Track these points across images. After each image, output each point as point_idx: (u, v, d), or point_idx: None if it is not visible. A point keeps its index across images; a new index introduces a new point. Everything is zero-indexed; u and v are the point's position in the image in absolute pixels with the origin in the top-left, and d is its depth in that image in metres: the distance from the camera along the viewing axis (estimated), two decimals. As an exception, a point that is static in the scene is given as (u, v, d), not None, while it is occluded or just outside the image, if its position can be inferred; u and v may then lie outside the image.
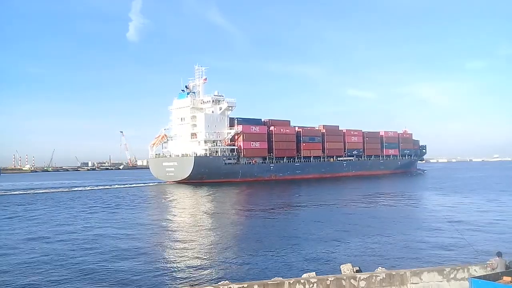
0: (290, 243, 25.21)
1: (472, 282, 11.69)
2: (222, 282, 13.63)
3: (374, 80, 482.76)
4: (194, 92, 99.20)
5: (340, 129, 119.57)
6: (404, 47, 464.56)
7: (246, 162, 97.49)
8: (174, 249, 24.83)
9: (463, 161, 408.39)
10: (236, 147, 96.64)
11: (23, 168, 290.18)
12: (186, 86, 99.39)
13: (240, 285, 11.95)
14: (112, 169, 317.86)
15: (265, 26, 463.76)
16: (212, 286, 12.61)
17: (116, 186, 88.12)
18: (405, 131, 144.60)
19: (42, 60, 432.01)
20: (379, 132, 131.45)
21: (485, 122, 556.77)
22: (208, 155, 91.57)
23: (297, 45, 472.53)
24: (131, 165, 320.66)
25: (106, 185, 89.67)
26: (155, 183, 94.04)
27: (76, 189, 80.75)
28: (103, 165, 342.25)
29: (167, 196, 64.05)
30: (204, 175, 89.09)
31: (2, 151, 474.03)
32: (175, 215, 41.76)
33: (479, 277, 11.77)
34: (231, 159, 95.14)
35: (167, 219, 38.58)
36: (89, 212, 43.59)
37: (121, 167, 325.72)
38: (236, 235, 29.09)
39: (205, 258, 22.02)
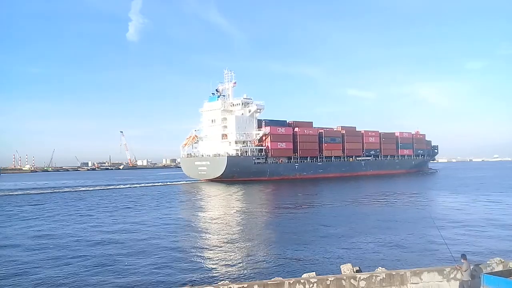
0: (293, 242, 26.59)
1: (484, 278, 12.34)
2: (222, 282, 14.19)
3: (374, 80, 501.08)
4: (224, 95, 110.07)
5: (358, 130, 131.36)
6: (404, 48, 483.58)
7: (273, 161, 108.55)
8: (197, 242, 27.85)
9: (463, 161, 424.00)
10: (264, 147, 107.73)
11: (23, 168, 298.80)
12: (216, 90, 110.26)
13: (240, 285, 12.45)
14: (112, 169, 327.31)
15: (265, 27, 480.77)
16: (212, 286, 13.05)
17: (156, 184, 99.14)
18: (418, 131, 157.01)
19: (42, 61, 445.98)
20: (394, 133, 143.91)
21: (485, 122, 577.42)
22: (239, 155, 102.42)
23: (297, 45, 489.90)
24: (131, 165, 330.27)
25: (148, 184, 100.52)
26: (188, 181, 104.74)
27: (110, 187, 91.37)
28: (103, 165, 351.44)
29: (206, 193, 72.05)
30: (235, 173, 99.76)
31: (2, 151, 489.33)
32: (218, 210, 46.40)
33: (492, 273, 12.53)
34: (259, 158, 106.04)
35: (211, 214, 43.23)
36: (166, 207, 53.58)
37: (121, 167, 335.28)
38: (250, 232, 31.05)
39: (207, 253, 24.33)
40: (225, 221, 37.30)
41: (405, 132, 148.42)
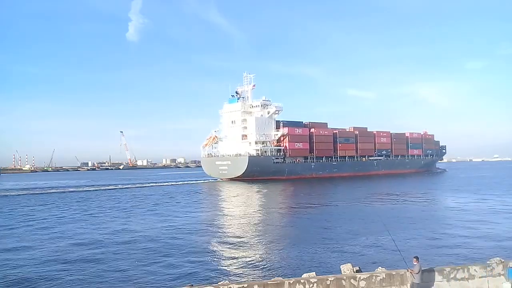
0: (294, 242, 27.80)
1: (509, 272, 12.99)
2: (222, 282, 14.53)
3: (374, 80, 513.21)
4: (243, 97, 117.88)
5: (370, 130, 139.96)
6: (404, 48, 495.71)
7: (291, 161, 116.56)
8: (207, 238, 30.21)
9: (463, 161, 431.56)
10: (282, 147, 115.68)
11: (23, 168, 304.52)
12: (236, 92, 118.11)
13: (240, 285, 12.81)
14: (112, 169, 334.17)
15: (265, 27, 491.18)
16: (212, 286, 13.36)
17: (183, 183, 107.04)
18: (426, 132, 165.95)
19: (42, 61, 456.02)
20: (405, 133, 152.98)
21: (485, 122, 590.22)
22: (259, 155, 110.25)
23: (297, 45, 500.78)
24: (131, 165, 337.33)
25: (169, 183, 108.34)
26: (209, 180, 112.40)
27: (131, 186, 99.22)
28: (103, 165, 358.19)
29: (232, 191, 78.10)
30: (256, 173, 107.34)
31: (2, 151, 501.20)
32: (237, 209, 49.61)
33: None
34: (278, 158, 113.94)
35: (230, 212, 46.86)
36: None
37: (121, 167, 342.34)
38: (256, 231, 32.78)
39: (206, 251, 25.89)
40: (237, 220, 39.60)
41: (415, 133, 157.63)
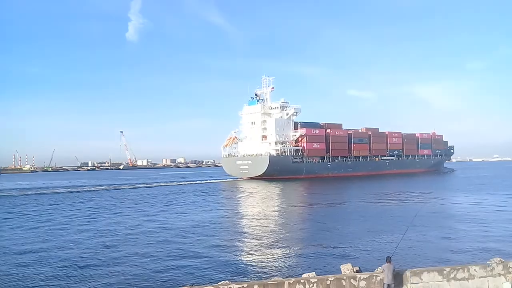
0: (295, 241, 28.65)
1: None
2: (222, 282, 14.92)
3: (374, 80, 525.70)
4: (262, 99, 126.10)
5: (382, 131, 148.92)
6: (404, 47, 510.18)
7: (309, 161, 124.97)
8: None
9: (463, 161, 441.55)
10: (300, 147, 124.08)
11: (23, 168, 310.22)
12: (255, 94, 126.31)
13: (240, 285, 13.42)
14: (112, 169, 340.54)
15: (265, 27, 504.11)
16: (212, 286, 13.86)
17: (207, 181, 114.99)
18: (434, 132, 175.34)
19: (42, 60, 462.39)
20: (415, 134, 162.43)
21: (485, 122, 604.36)
22: (279, 155, 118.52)
23: (298, 45, 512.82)
24: (131, 165, 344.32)
25: (185, 182, 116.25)
26: (230, 179, 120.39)
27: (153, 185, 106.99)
28: (103, 165, 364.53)
29: (255, 189, 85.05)
30: (276, 172, 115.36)
31: (2, 151, 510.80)
32: (253, 208, 51.74)
33: None
34: (297, 158, 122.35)
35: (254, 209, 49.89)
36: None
37: (121, 167, 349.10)
38: (260, 231, 33.75)
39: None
40: (247, 219, 41.39)
41: (425, 133, 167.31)
